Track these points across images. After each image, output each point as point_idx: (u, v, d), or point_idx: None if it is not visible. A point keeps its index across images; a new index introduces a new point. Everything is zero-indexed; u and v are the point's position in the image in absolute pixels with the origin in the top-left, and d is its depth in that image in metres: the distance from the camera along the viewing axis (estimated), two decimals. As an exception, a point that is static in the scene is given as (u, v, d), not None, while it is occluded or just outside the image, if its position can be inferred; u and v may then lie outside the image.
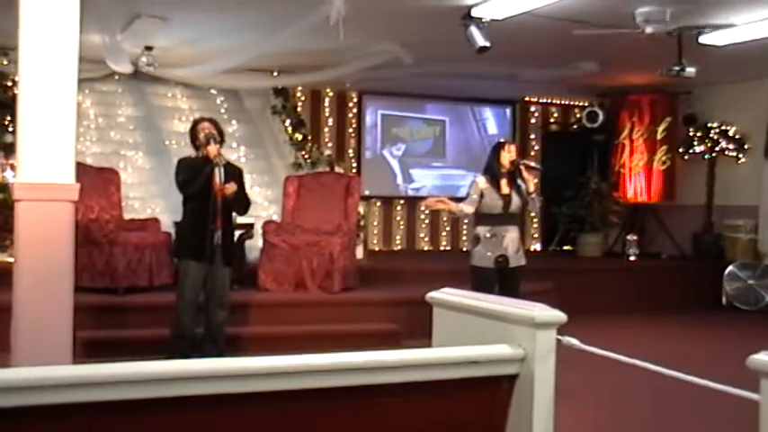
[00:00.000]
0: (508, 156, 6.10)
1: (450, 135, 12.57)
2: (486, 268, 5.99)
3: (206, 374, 2.20)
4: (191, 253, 5.98)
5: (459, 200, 6.32)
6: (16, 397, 1.98)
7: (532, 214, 12.28)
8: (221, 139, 6.16)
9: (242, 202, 6.22)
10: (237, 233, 7.76)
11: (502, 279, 6.00)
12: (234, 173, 6.16)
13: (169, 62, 9.54)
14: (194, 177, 5.93)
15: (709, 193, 11.53)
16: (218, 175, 5.98)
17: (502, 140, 6.60)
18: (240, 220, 7.70)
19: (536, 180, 6.26)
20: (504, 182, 6.06)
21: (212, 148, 5.95)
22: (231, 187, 5.97)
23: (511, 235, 6.06)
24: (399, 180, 12.25)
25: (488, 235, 6.02)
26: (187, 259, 6.01)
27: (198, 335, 6.15)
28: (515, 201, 6.06)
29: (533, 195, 6.18)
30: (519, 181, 6.10)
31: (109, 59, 8.83)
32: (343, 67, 9.56)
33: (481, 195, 6.02)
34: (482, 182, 6.07)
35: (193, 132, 6.16)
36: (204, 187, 5.91)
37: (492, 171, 6.10)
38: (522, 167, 6.13)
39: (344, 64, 9.47)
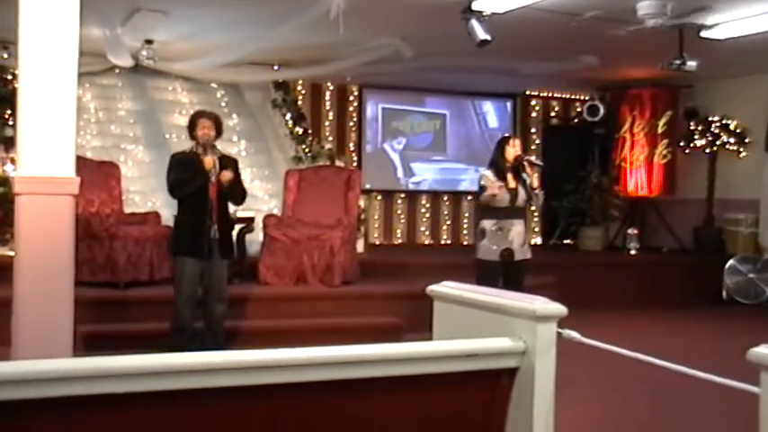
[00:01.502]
0: (513, 150, 6.12)
1: (451, 129, 12.55)
2: (492, 261, 6.00)
3: (205, 367, 2.20)
4: (187, 250, 5.98)
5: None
6: (16, 390, 1.98)
7: (533, 208, 12.27)
8: (219, 133, 6.15)
9: (238, 193, 6.22)
10: (238, 227, 7.77)
11: (507, 272, 6.01)
12: (229, 165, 6.15)
13: (169, 56, 9.52)
14: (185, 181, 5.94)
15: (710, 187, 11.51)
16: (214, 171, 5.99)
17: (507, 135, 6.60)
18: (240, 214, 7.70)
19: (537, 175, 6.26)
20: (509, 176, 6.08)
21: (209, 160, 5.94)
22: (227, 174, 5.97)
23: (516, 228, 6.06)
24: (400, 174, 12.24)
25: (494, 228, 6.02)
26: (183, 256, 6.01)
27: (198, 329, 6.15)
28: (521, 194, 6.06)
29: (537, 191, 6.19)
30: (524, 175, 6.11)
31: (109, 53, 8.82)
32: (344, 61, 9.54)
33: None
34: (490, 175, 6.08)
35: (192, 125, 6.15)
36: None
37: (497, 165, 6.12)
38: (525, 163, 6.14)
39: (345, 58, 9.45)
